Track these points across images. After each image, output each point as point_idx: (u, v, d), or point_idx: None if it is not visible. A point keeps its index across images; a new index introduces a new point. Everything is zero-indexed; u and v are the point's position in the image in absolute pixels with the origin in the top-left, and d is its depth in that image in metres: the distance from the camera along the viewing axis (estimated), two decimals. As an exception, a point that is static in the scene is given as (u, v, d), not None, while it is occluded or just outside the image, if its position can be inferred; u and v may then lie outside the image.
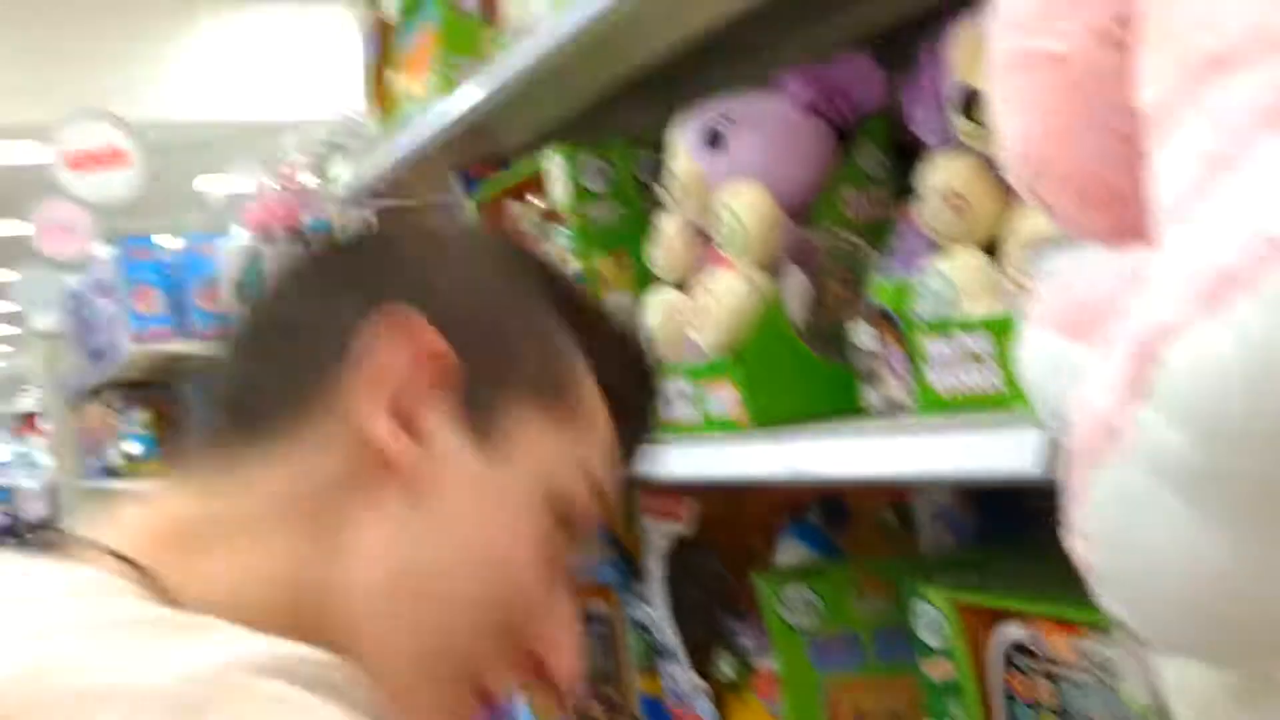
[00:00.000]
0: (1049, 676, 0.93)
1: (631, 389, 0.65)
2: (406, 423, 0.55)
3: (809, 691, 1.15)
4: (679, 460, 1.18)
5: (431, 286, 0.58)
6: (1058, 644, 0.91)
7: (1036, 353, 0.61)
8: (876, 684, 1.14)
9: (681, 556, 1.54)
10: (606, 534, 1.76)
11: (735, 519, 1.54)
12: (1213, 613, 0.46)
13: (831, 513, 1.41)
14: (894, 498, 1.32)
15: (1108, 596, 0.50)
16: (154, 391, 4.30)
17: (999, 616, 0.96)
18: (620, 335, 0.67)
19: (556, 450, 0.59)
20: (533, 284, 0.61)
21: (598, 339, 0.63)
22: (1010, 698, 0.96)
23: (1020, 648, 0.95)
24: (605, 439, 0.62)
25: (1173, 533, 0.45)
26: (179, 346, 3.63)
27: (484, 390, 0.56)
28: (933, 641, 1.01)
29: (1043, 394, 0.61)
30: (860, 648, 1.15)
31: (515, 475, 0.57)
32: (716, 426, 1.11)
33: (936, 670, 1.01)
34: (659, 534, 1.54)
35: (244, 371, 0.59)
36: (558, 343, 0.61)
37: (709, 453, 1.12)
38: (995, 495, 1.25)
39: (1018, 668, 0.95)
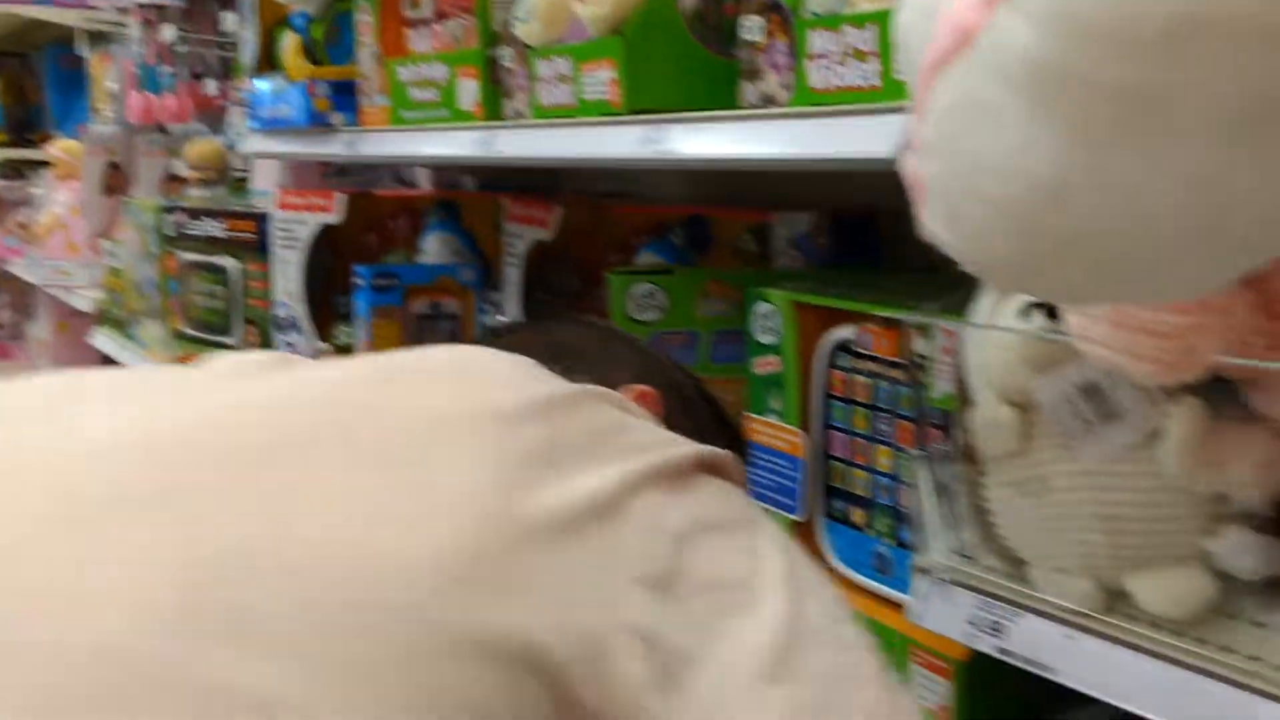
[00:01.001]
0: (868, 375, 0.98)
1: None
2: None
3: (643, 387, 1.19)
4: (550, 142, 1.17)
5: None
6: (882, 344, 0.96)
7: (916, 5, 0.59)
8: (709, 383, 1.18)
9: (540, 264, 1.55)
10: (469, 239, 1.76)
11: (597, 233, 1.55)
12: (1033, 220, 0.47)
13: (693, 234, 1.43)
14: (755, 221, 1.35)
15: (933, 212, 0.51)
16: (7, 60, 4.01)
17: (831, 317, 1.00)
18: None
19: None
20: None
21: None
22: (829, 395, 1.02)
23: (846, 347, 0.99)
24: None
25: (1008, 135, 0.46)
26: (38, 12, 3.36)
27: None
28: (765, 339, 1.05)
29: (914, 46, 0.61)
30: (698, 346, 1.19)
31: None
32: (591, 110, 1.10)
33: (763, 366, 1.05)
34: (520, 240, 1.54)
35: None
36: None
37: (581, 135, 1.11)
38: (850, 226, 1.28)
39: (841, 366, 1.00)
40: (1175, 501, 0.66)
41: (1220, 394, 0.64)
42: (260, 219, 1.85)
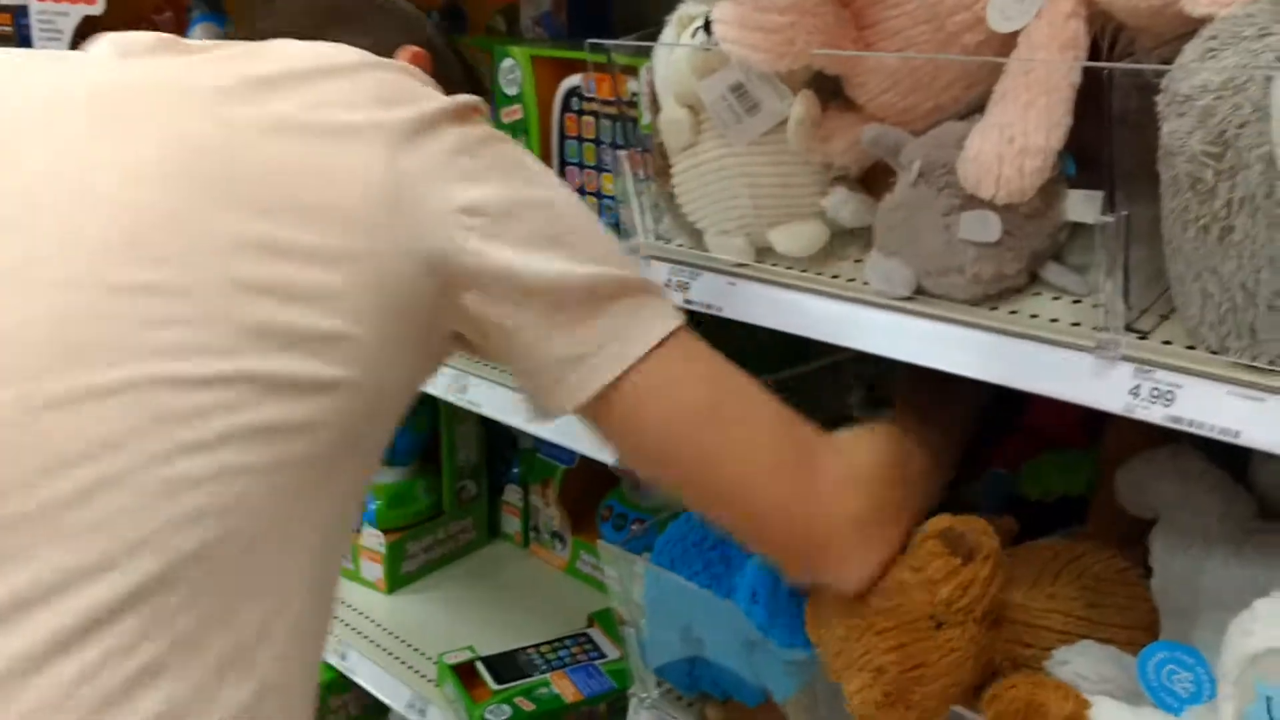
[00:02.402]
0: (593, 115, 1.19)
1: None
2: None
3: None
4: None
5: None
6: (603, 88, 1.16)
7: None
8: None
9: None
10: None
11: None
12: None
13: (450, 16, 1.58)
14: (504, 3, 1.51)
15: None
16: None
17: (563, 69, 1.20)
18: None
19: None
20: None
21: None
22: (564, 135, 1.22)
23: (576, 93, 1.19)
24: None
25: None
26: None
27: None
28: (510, 90, 1.24)
29: None
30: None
31: None
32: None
33: (510, 115, 1.24)
34: None
35: None
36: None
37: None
38: (587, 4, 1.47)
39: (571, 110, 1.21)
40: (798, 171, 0.90)
41: (828, 88, 0.88)
42: (18, 11, 1.85)
